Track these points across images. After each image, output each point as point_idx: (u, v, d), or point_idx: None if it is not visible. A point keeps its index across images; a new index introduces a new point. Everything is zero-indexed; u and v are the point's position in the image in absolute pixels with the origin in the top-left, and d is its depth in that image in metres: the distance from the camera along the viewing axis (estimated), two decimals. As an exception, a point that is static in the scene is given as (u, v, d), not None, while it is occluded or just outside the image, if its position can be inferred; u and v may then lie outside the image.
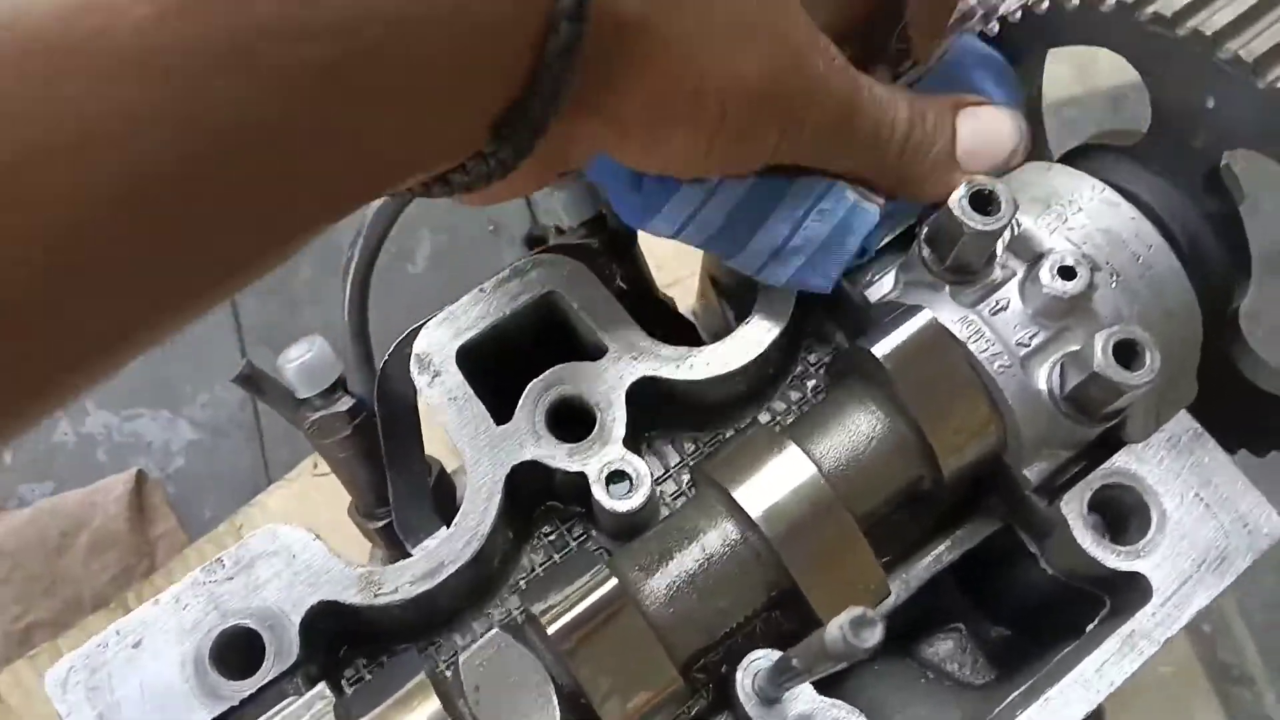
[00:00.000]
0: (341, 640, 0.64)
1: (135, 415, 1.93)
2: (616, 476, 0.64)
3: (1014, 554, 0.71)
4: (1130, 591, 0.64)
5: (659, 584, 0.59)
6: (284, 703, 0.58)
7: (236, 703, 0.58)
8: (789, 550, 0.59)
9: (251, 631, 0.59)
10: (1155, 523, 0.64)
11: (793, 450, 0.60)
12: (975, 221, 0.59)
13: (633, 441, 0.65)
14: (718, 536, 0.60)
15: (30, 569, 1.65)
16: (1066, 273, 0.60)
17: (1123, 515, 0.66)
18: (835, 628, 0.43)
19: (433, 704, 0.55)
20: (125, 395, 1.94)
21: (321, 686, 0.58)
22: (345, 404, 0.73)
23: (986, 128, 0.64)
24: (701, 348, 0.67)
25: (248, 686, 0.58)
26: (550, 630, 0.55)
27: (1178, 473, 0.65)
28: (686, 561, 0.60)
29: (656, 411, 0.69)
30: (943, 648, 0.75)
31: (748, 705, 0.60)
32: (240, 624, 0.59)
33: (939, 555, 0.69)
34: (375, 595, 0.61)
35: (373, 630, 0.64)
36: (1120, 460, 0.65)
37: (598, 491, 0.63)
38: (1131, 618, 0.62)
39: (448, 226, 2.09)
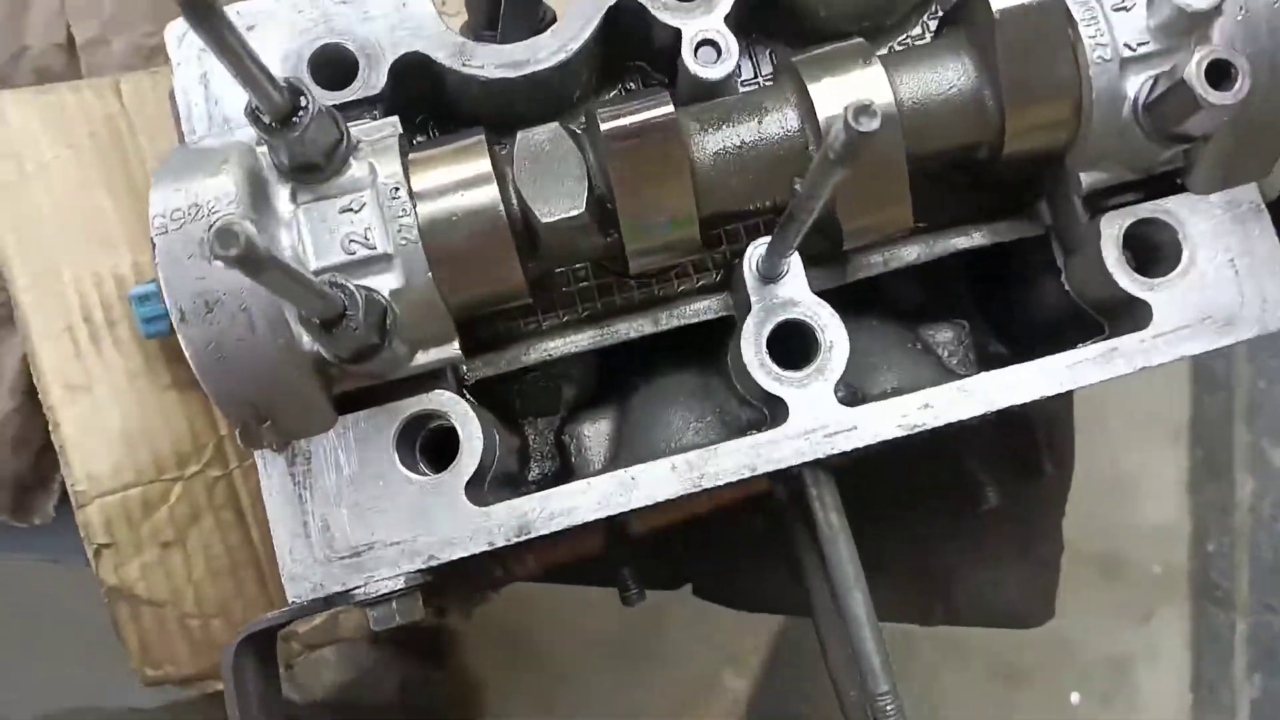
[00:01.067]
0: (423, 106, 0.70)
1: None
2: (708, 44, 0.67)
3: (1037, 270, 0.74)
4: (1131, 321, 0.67)
5: (711, 140, 0.63)
6: (359, 121, 0.64)
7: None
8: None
9: (350, 53, 0.65)
10: (1182, 267, 0.66)
11: (877, 70, 0.63)
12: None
13: (736, 29, 0.68)
14: (778, 121, 0.64)
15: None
16: (1202, -14, 0.60)
17: (1155, 250, 0.68)
18: (838, 116, 0.45)
19: (483, 162, 0.61)
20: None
21: (395, 118, 0.64)
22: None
23: None
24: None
25: (334, 97, 0.64)
26: (604, 127, 0.60)
27: (1223, 233, 0.67)
28: (743, 131, 0.64)
29: (769, 17, 0.71)
30: (942, 335, 0.79)
31: (749, 280, 0.66)
32: (343, 43, 0.65)
33: (970, 235, 0.73)
34: (463, 63, 0.66)
35: (451, 107, 0.70)
36: (1173, 202, 0.67)
37: (686, 54, 0.67)
38: (1121, 338, 0.66)
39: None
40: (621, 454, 0.75)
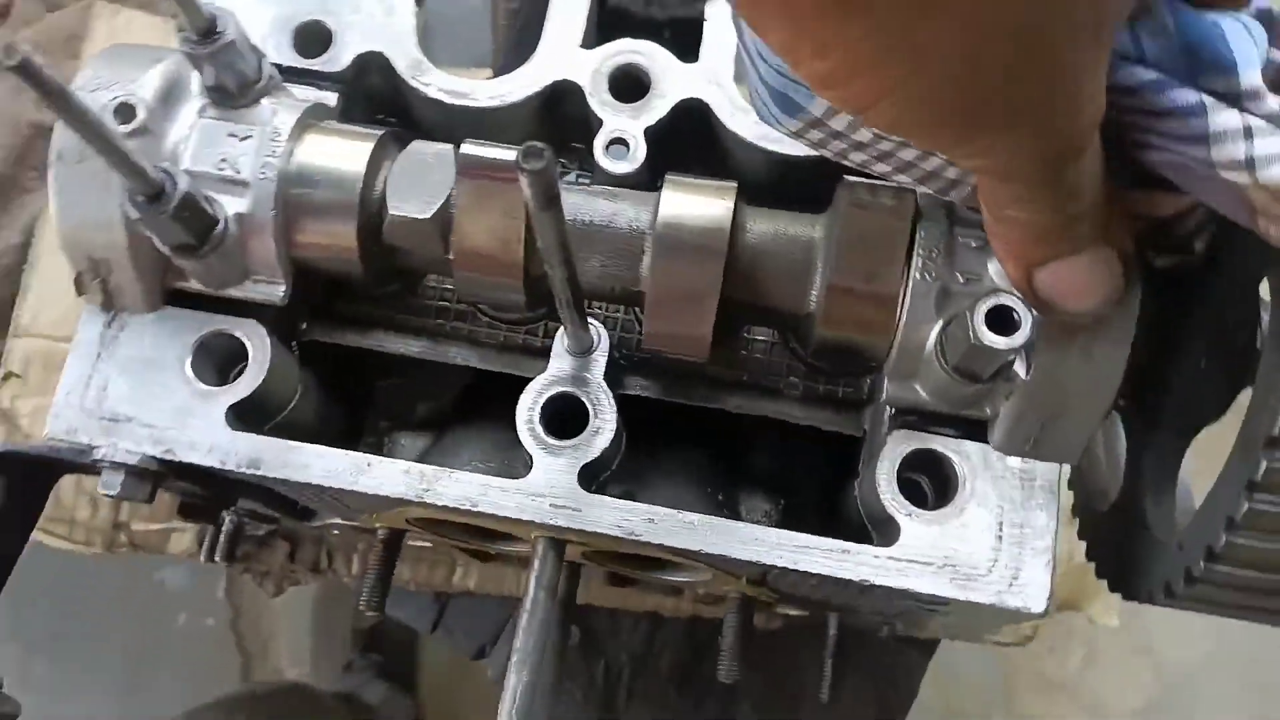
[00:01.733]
0: (384, 107, 0.79)
1: None
2: (619, 142, 0.73)
3: (849, 470, 0.74)
4: (884, 539, 0.66)
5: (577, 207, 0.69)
6: (311, 87, 0.74)
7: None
8: (657, 259, 0.66)
9: (328, 31, 0.75)
10: (948, 510, 0.66)
11: (727, 204, 0.67)
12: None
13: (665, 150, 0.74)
14: (630, 217, 0.69)
15: None
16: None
17: (941, 489, 0.67)
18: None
19: (366, 146, 0.69)
20: None
21: (334, 95, 0.73)
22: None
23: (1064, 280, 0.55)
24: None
25: (299, 61, 0.74)
26: (463, 149, 0.66)
27: (1005, 498, 0.66)
28: (595, 213, 0.69)
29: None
30: (752, 502, 0.80)
31: (555, 346, 0.70)
32: (325, 22, 0.75)
33: (792, 410, 0.74)
34: (414, 77, 0.75)
35: (407, 115, 0.78)
36: (971, 447, 0.66)
37: (598, 146, 0.74)
38: (859, 545, 0.65)
39: None
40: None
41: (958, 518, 0.65)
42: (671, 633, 1.07)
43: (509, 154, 0.66)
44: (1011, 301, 0.59)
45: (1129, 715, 1.82)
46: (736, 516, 0.79)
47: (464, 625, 1.10)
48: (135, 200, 0.63)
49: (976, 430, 0.67)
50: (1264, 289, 0.58)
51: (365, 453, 0.69)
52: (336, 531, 0.96)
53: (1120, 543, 0.69)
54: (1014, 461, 0.66)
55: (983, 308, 0.59)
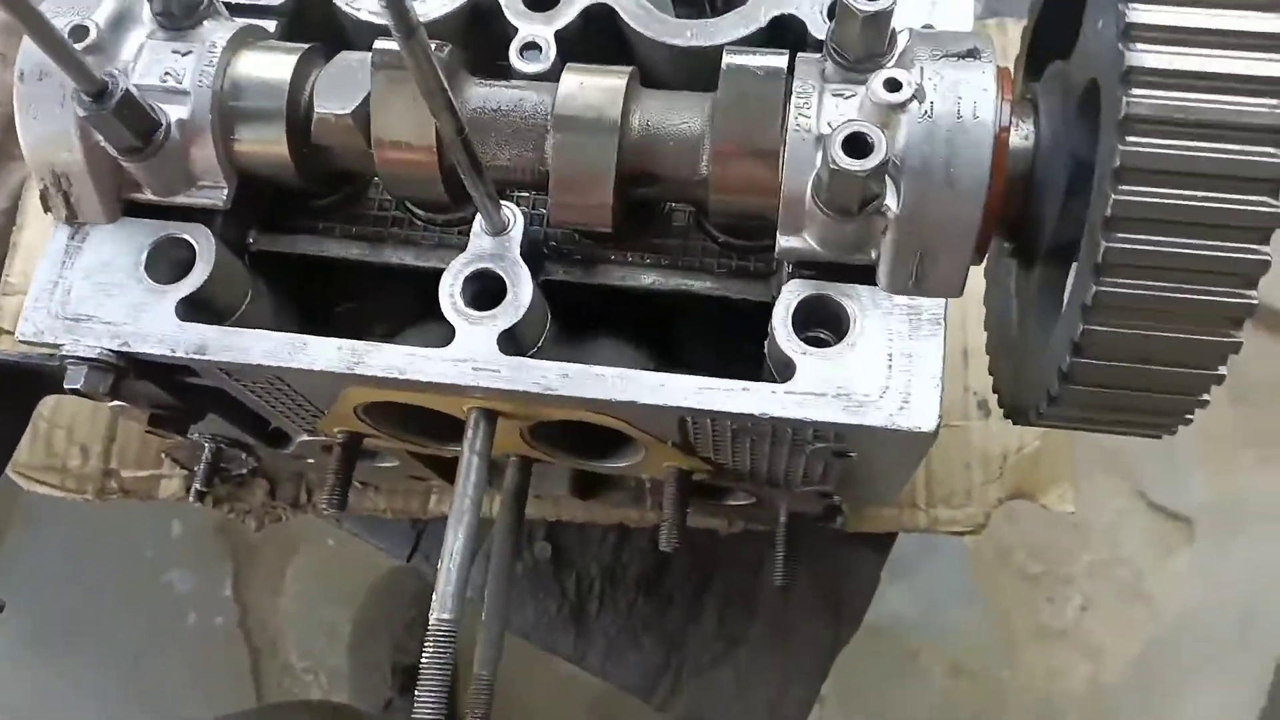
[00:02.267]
0: (327, 39, 0.86)
1: None
2: (532, 45, 0.80)
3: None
4: (782, 379, 0.71)
5: (472, 97, 0.75)
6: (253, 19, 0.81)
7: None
8: (556, 136, 0.72)
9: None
10: (840, 346, 0.70)
11: (620, 82, 0.73)
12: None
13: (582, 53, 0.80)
14: (534, 101, 0.75)
15: None
16: (891, 84, 0.66)
17: (834, 329, 0.72)
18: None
19: (291, 59, 0.76)
20: None
21: (272, 24, 0.81)
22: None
23: None
24: None
25: (236, -5, 0.82)
26: (376, 44, 0.73)
27: (894, 331, 0.70)
28: (503, 100, 0.75)
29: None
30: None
31: (475, 227, 0.76)
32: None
33: (704, 280, 0.79)
34: (345, 2, 0.82)
35: (343, 39, 0.85)
36: (861, 289, 0.71)
37: (513, 51, 0.79)
38: (757, 383, 0.70)
39: None
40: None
41: (850, 352, 0.70)
42: (638, 544, 1.11)
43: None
44: (866, 129, 0.64)
45: (1128, 660, 1.83)
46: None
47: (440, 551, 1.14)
48: (82, 99, 0.70)
49: (866, 276, 0.72)
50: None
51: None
52: (312, 460, 1.02)
53: (1014, 372, 0.74)
54: (900, 299, 0.71)
55: (839, 135, 0.64)
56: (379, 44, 0.73)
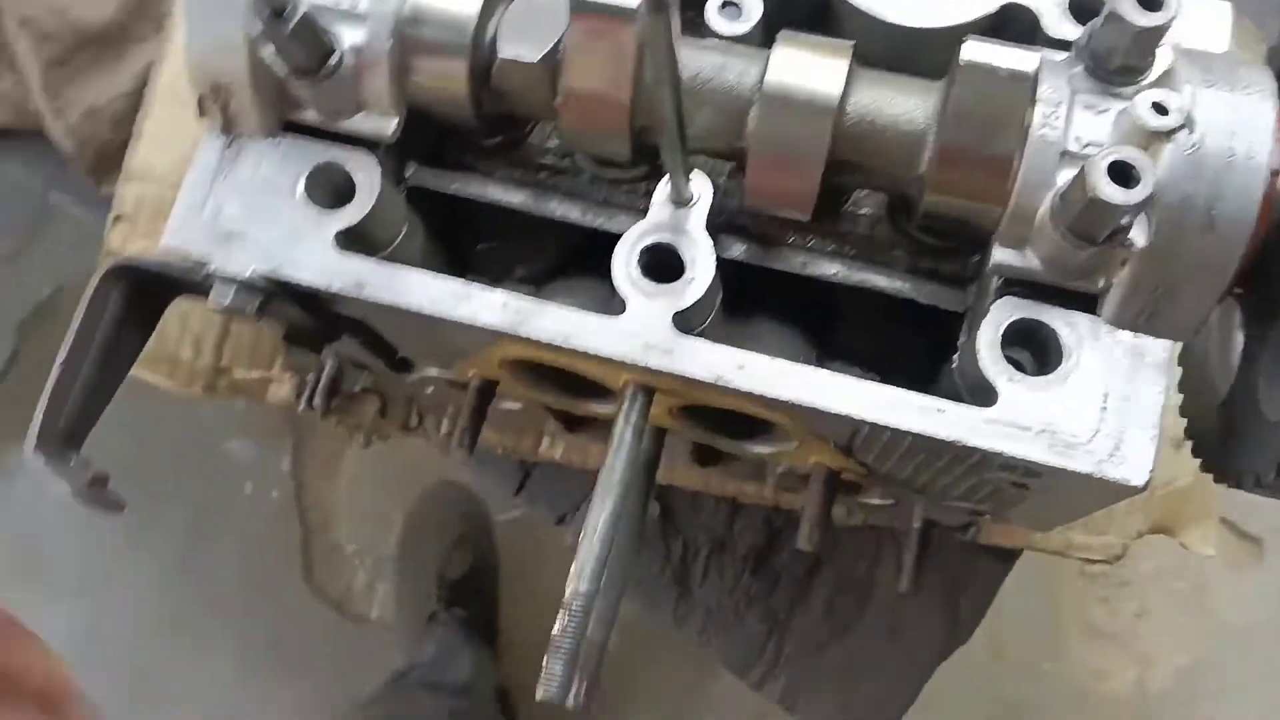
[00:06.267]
0: None
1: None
2: (731, 4, 0.73)
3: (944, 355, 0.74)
4: (980, 402, 0.66)
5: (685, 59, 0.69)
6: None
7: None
8: (763, 115, 0.66)
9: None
10: (1051, 378, 0.65)
11: (841, 64, 0.66)
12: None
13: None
14: (739, 71, 0.68)
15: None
16: (1159, 108, 0.60)
17: (1043, 360, 0.66)
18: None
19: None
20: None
21: None
22: None
23: None
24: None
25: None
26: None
27: (1112, 369, 0.65)
28: (704, 65, 0.69)
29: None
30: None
31: (656, 196, 0.70)
32: None
33: (893, 279, 0.74)
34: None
35: None
36: (1079, 318, 0.65)
37: (710, 9, 0.72)
38: (955, 404, 0.65)
39: None
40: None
41: (1061, 385, 0.65)
42: (750, 518, 1.07)
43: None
44: (1135, 158, 0.58)
45: (1176, 669, 1.81)
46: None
47: (547, 493, 1.13)
48: (261, 15, 0.64)
49: (1084, 303, 0.66)
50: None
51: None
52: (430, 389, 0.98)
53: (1226, 427, 0.68)
54: (1124, 335, 0.65)
55: (1104, 161, 0.58)
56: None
